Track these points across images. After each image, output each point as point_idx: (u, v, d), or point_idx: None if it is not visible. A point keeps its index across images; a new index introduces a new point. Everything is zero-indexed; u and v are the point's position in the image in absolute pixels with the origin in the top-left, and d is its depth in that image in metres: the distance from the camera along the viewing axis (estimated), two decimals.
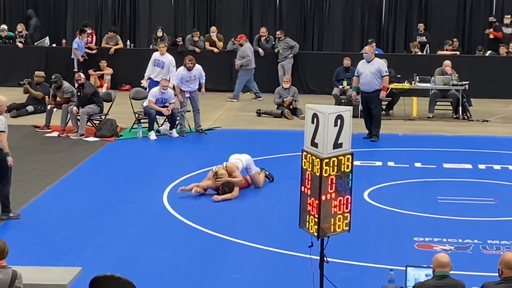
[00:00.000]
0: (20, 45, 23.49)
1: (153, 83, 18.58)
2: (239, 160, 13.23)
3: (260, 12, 25.74)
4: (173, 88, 17.67)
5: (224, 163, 13.10)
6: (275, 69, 22.70)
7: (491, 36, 24.12)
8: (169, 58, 18.73)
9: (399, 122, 19.39)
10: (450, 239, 10.88)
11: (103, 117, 17.57)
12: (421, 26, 24.38)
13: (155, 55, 18.88)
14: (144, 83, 19.00)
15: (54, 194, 13.04)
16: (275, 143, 16.73)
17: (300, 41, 24.20)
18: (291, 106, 19.64)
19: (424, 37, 24.15)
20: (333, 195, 7.75)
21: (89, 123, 17.44)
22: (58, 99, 17.86)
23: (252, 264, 10.04)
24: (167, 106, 17.11)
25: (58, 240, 10.76)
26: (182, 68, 17.55)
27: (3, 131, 11.28)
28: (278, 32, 23.34)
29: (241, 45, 22.35)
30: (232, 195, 12.76)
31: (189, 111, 17.64)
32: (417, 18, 25.25)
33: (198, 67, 17.75)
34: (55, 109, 17.82)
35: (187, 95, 17.44)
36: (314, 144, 7.75)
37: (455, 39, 23.93)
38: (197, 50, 22.94)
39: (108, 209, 12.18)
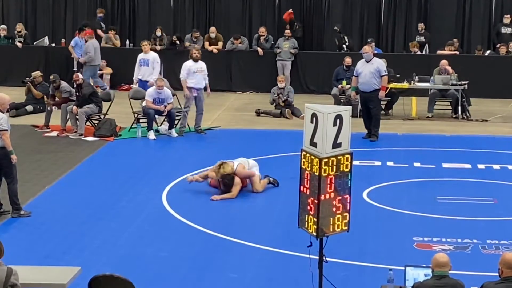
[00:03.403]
0: (19, 44, 23.48)
1: (142, 83, 18.63)
2: (246, 161, 13.24)
3: (259, 12, 25.72)
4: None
5: (236, 163, 13.03)
6: (274, 68, 22.69)
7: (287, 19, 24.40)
8: (152, 55, 18.95)
9: (398, 121, 19.39)
10: (449, 239, 10.88)
11: (102, 116, 17.56)
12: (420, 26, 24.36)
13: (140, 55, 19.07)
14: (135, 86, 19.01)
15: (53, 193, 13.03)
16: (274, 143, 16.72)
17: (300, 41, 24.18)
18: (282, 102, 19.58)
19: (423, 37, 24.13)
20: (332, 194, 7.74)
21: (88, 123, 17.44)
22: (56, 99, 17.88)
23: (251, 263, 10.04)
24: (165, 106, 17.10)
25: (57, 240, 10.76)
26: (188, 61, 17.49)
27: (6, 130, 11.29)
28: (287, 31, 23.32)
29: (86, 41, 22.13)
30: (231, 195, 12.76)
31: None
32: (417, 18, 25.24)
33: (203, 63, 17.66)
34: (54, 108, 17.83)
35: (195, 94, 17.33)
36: (313, 143, 7.75)
37: (455, 39, 23.90)
38: (197, 47, 22.95)
39: (107, 209, 12.17)
